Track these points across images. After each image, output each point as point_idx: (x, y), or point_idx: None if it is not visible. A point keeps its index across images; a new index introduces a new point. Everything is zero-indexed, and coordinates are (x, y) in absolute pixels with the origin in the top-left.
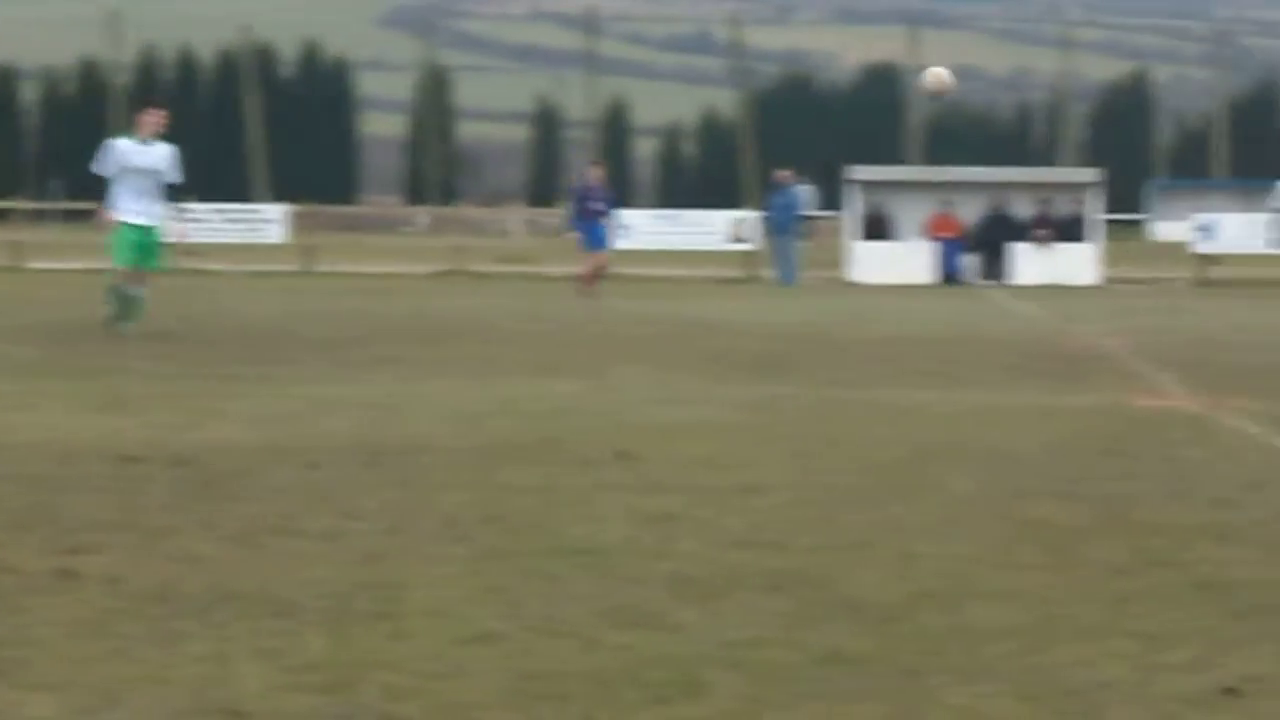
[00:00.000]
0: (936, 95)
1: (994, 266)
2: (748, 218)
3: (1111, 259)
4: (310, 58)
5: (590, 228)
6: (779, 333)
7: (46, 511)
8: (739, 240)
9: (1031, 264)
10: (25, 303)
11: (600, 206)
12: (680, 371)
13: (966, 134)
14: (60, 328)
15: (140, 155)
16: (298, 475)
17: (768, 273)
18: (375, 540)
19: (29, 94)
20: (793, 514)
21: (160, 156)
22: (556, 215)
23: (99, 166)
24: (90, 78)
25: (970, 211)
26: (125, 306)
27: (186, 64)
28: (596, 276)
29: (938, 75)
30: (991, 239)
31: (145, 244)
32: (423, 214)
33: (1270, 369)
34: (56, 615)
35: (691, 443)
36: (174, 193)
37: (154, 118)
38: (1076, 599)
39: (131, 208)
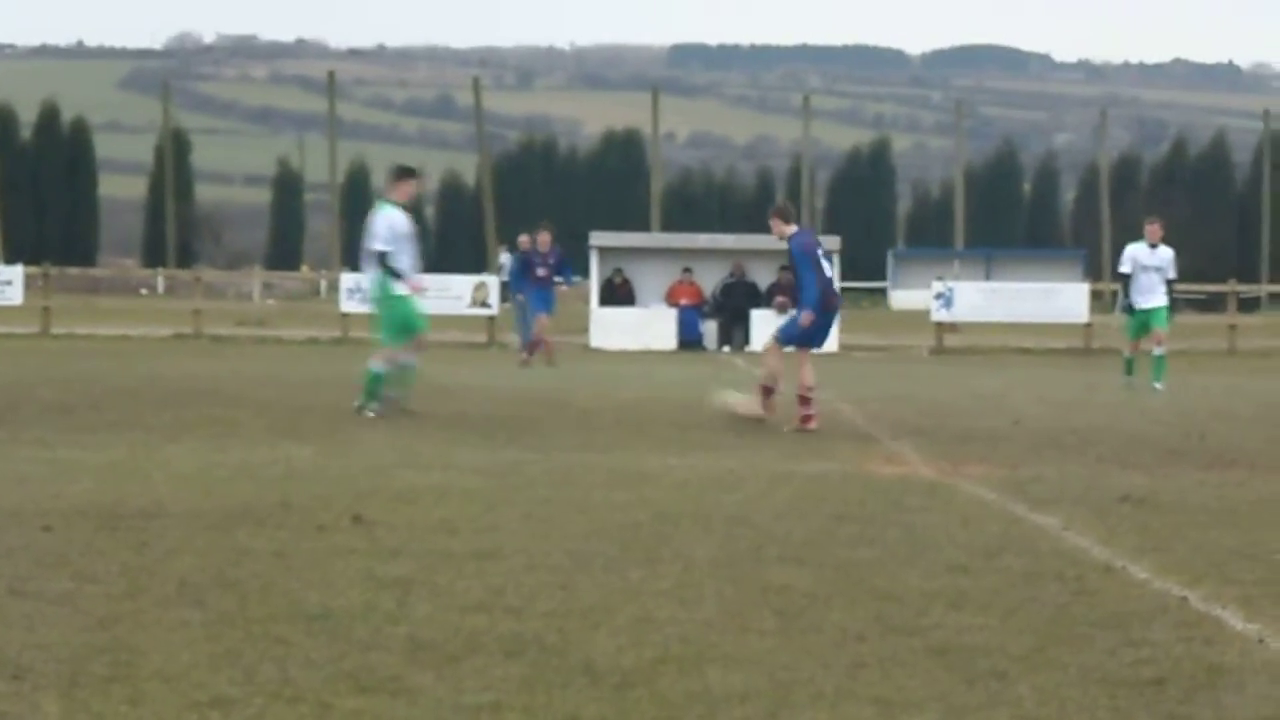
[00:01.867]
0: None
1: (734, 333)
2: (489, 282)
3: (851, 326)
4: (49, 119)
5: (536, 293)
6: (521, 397)
7: None
8: (481, 305)
9: (771, 330)
10: None
11: (546, 272)
12: (419, 436)
13: (708, 201)
14: None
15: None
16: (32, 538)
17: (510, 337)
18: (110, 604)
19: None
20: (531, 579)
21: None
22: (296, 279)
23: (381, 241)
24: None
25: (712, 278)
26: (404, 377)
27: None
28: (541, 342)
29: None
30: (732, 305)
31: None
32: (161, 277)
33: (1006, 436)
34: None
35: (429, 508)
36: None
37: (411, 186)
38: (814, 664)
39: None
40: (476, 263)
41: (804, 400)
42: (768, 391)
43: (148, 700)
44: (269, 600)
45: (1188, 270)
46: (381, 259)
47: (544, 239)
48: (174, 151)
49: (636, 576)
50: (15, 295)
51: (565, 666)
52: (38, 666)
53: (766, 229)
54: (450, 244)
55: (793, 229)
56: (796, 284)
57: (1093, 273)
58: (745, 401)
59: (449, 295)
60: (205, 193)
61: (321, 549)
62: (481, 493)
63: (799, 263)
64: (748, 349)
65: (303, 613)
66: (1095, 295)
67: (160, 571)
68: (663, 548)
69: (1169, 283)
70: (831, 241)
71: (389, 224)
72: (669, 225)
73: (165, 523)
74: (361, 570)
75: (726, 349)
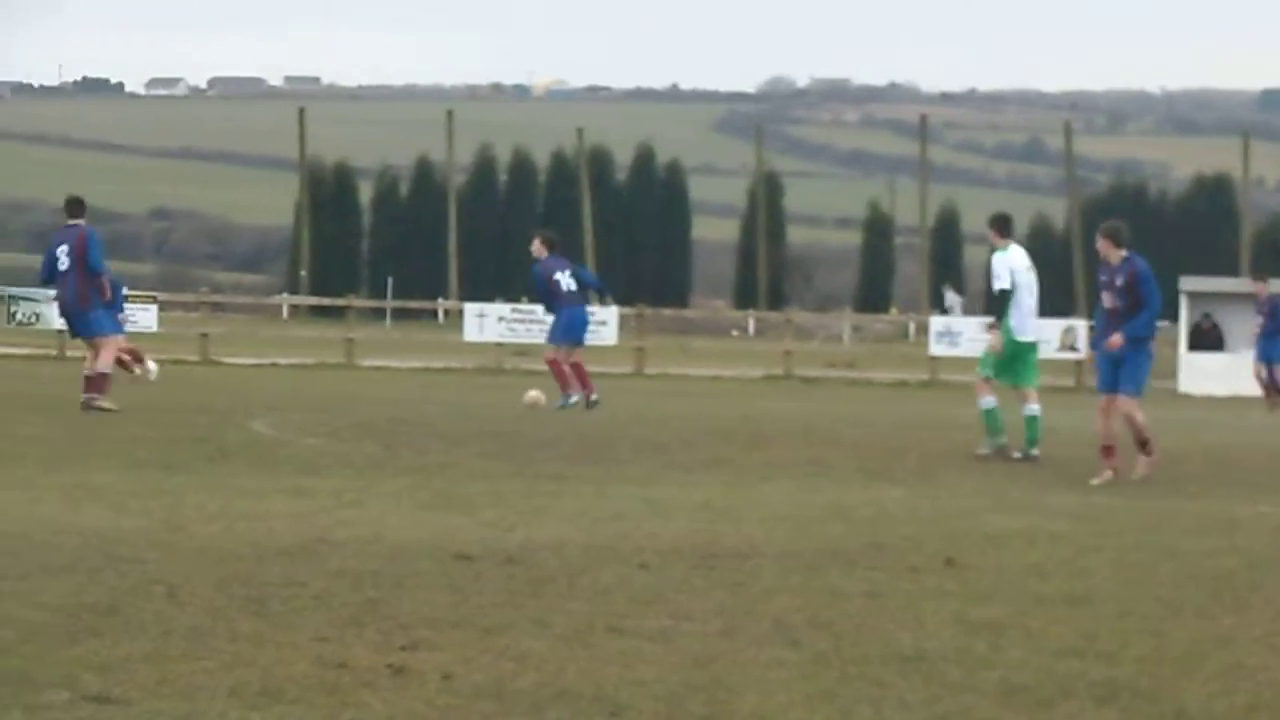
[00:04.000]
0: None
1: None
2: (1078, 326)
3: None
4: (644, 161)
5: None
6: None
7: (379, 608)
8: (1069, 349)
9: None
10: (358, 400)
11: (1263, 321)
12: (1008, 479)
13: None
14: (391, 425)
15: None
16: (628, 575)
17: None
18: (706, 643)
19: (365, 193)
20: (1122, 625)
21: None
22: (884, 321)
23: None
24: (425, 178)
25: None
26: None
27: (521, 165)
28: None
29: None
30: None
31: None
32: (752, 318)
33: None
34: (390, 711)
35: (1020, 551)
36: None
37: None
38: None
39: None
40: (1064, 306)
41: (1108, 450)
42: (1143, 444)
43: None
44: (863, 641)
45: None
46: (1001, 299)
47: (1261, 287)
48: (766, 194)
49: (1228, 623)
50: (610, 335)
51: (1157, 713)
52: (635, 704)
53: None
54: (1039, 288)
55: (1124, 253)
56: (1133, 307)
57: None
58: (1142, 468)
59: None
60: (796, 235)
61: (914, 591)
62: (1071, 537)
63: (1150, 285)
64: None
65: (896, 654)
66: None
67: (755, 611)
68: (1254, 595)
69: None
70: None
71: (1007, 265)
72: (1260, 270)
73: (759, 562)
74: (953, 613)
75: None
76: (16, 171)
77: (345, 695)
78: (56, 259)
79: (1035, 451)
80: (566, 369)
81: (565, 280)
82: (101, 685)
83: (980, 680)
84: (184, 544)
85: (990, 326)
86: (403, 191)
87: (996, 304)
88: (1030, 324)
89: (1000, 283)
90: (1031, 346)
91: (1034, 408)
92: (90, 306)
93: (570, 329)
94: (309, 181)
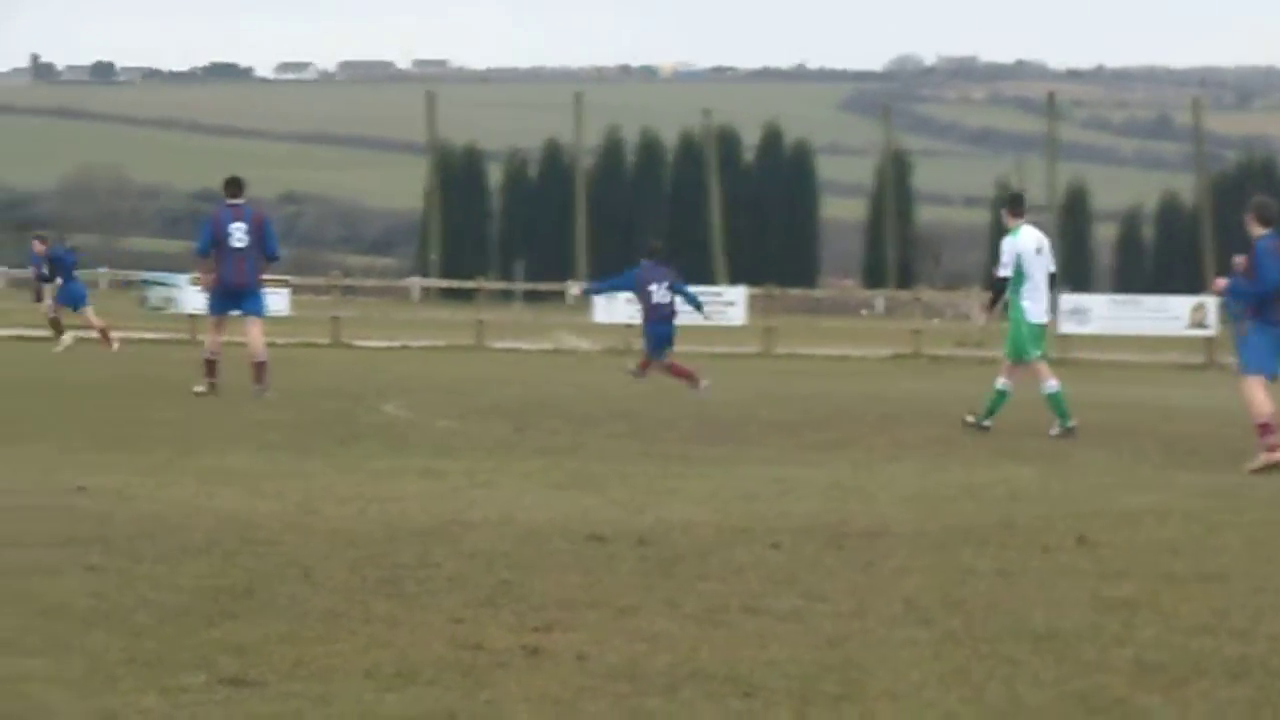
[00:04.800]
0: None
1: None
2: (1208, 303)
3: None
4: (771, 141)
5: None
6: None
7: (513, 589)
8: (1198, 326)
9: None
10: (488, 382)
11: None
12: (1140, 457)
13: None
14: (522, 407)
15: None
16: (761, 555)
17: (1229, 359)
18: (839, 622)
19: (495, 176)
20: (1256, 601)
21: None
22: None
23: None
24: (553, 160)
25: None
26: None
27: (649, 147)
28: None
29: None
30: None
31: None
32: (881, 298)
33: None
34: (526, 692)
35: (1152, 529)
36: None
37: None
38: None
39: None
40: (1193, 283)
41: (1266, 430)
42: (1265, 430)
43: (876, 719)
44: (995, 619)
45: None
46: (1000, 284)
47: None
48: (894, 173)
49: None
50: (738, 315)
51: None
52: (769, 684)
53: None
54: (1167, 265)
55: (1266, 232)
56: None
57: None
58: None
59: (1167, 316)
60: (925, 214)
61: (1046, 569)
62: (1203, 515)
63: (1261, 264)
64: None
65: (1029, 632)
66: None
67: (887, 590)
68: None
69: None
70: None
71: (1014, 250)
72: None
73: (890, 541)
74: (1087, 591)
75: None
76: (147, 157)
77: (480, 676)
78: (228, 235)
79: (988, 423)
80: (679, 364)
81: (659, 293)
82: (238, 667)
83: (1113, 658)
84: (318, 526)
85: (986, 307)
86: (531, 174)
87: (996, 288)
88: (1043, 305)
89: (1004, 270)
90: (1043, 327)
91: (1006, 382)
92: (262, 286)
93: (662, 341)
94: (438, 165)
